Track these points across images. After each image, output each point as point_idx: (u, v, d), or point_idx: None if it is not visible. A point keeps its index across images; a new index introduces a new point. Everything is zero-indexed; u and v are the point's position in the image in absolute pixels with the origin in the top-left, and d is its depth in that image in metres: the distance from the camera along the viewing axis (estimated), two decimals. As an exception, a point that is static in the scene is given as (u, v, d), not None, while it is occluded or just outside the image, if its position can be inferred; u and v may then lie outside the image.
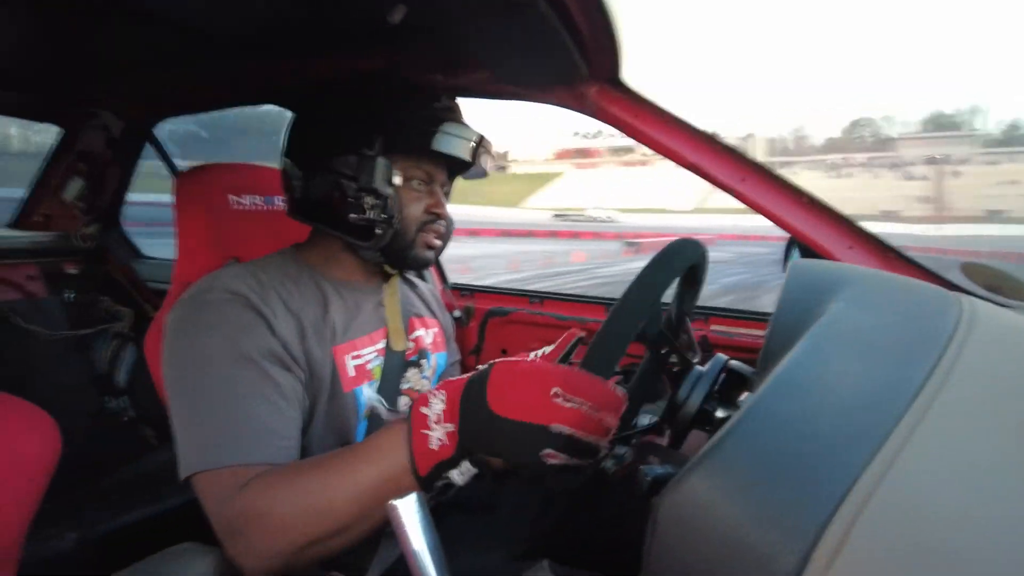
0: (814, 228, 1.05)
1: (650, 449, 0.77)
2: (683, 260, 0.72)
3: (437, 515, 0.79)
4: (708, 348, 1.34)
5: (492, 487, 1.13)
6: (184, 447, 0.76)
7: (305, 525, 0.67)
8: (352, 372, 0.91)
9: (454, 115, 0.96)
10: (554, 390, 0.58)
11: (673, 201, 68.45)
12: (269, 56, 1.39)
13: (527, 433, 0.58)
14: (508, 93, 1.23)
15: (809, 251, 1.05)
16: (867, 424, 0.49)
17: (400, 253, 0.95)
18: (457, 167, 1.00)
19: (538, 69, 1.10)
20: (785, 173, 1.08)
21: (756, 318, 1.31)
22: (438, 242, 0.99)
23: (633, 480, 0.63)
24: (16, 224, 2.12)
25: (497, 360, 0.64)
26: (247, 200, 1.19)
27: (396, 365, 0.98)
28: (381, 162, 0.88)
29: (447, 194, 1.01)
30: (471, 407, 0.61)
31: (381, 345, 0.97)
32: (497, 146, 1.07)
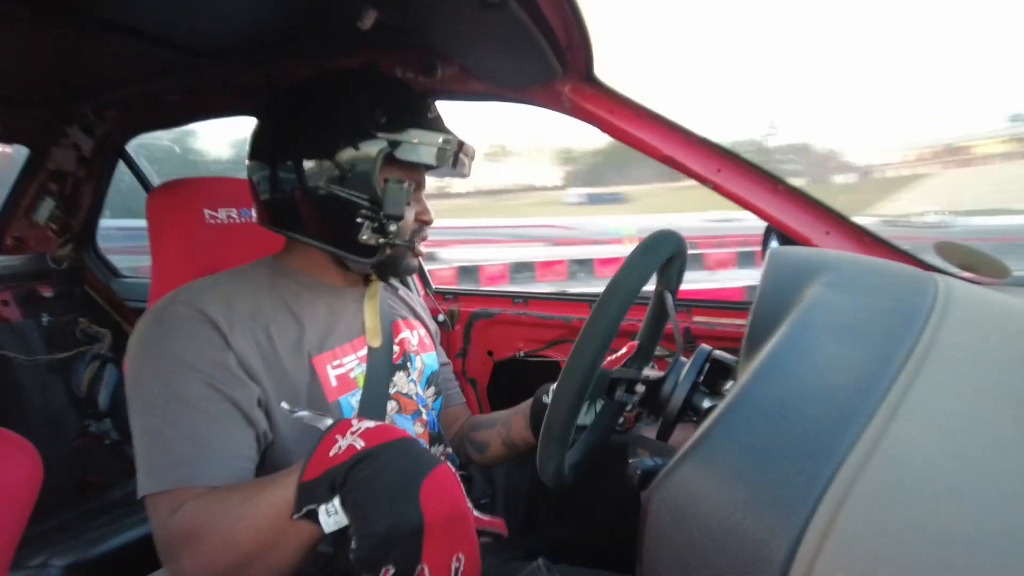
0: (791, 215, 1.06)
1: (639, 442, 0.78)
2: (660, 254, 0.72)
3: None
4: (691, 340, 1.35)
5: (484, 492, 1.12)
6: (138, 467, 0.76)
7: (221, 556, 0.66)
8: (334, 382, 0.90)
9: (442, 122, 0.95)
10: (461, 555, 0.58)
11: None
12: (242, 65, 1.37)
13: (412, 540, 0.56)
14: (486, 93, 1.23)
15: (787, 238, 1.07)
16: (851, 406, 0.50)
17: (392, 264, 0.94)
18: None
19: (514, 69, 1.10)
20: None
21: (738, 307, 1.32)
22: (422, 248, 0.98)
23: (623, 473, 0.64)
24: None
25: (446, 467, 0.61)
26: (222, 214, 1.17)
27: (382, 370, 0.96)
28: (405, 187, 0.87)
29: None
30: (404, 458, 0.60)
31: (363, 352, 0.95)
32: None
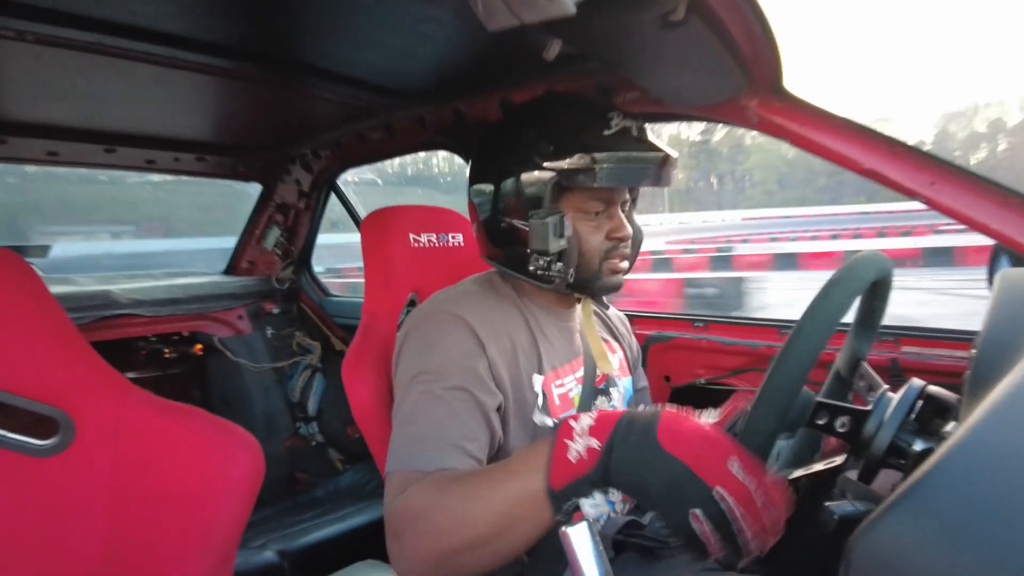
0: (1026, 232, 0.92)
1: (842, 484, 0.71)
2: (860, 281, 0.66)
3: (615, 551, 0.78)
4: (899, 372, 1.21)
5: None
6: (389, 447, 0.83)
7: (450, 534, 0.67)
8: (557, 401, 0.93)
9: (625, 138, 0.90)
10: (733, 459, 0.55)
11: None
12: (434, 103, 1.50)
13: (689, 481, 0.55)
14: (667, 113, 1.22)
15: (1021, 259, 0.92)
16: None
17: (587, 284, 0.94)
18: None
19: (696, 86, 1.08)
20: (986, 172, 0.95)
21: (956, 337, 1.17)
22: (624, 264, 0.96)
23: (818, 518, 0.59)
24: (228, 271, 2.47)
25: (667, 412, 0.61)
26: (424, 238, 1.28)
27: (589, 392, 0.98)
28: (551, 222, 0.86)
29: (634, 200, 0.99)
30: (633, 431, 0.59)
31: (580, 374, 0.98)
32: None
